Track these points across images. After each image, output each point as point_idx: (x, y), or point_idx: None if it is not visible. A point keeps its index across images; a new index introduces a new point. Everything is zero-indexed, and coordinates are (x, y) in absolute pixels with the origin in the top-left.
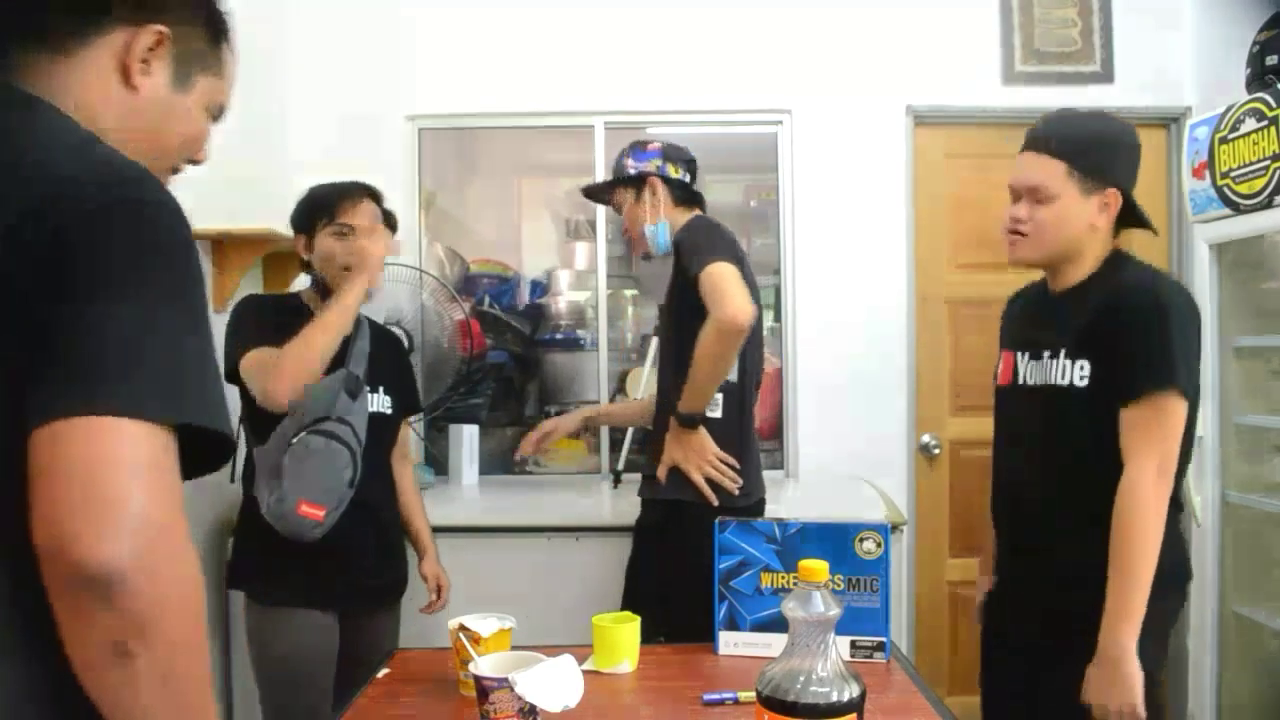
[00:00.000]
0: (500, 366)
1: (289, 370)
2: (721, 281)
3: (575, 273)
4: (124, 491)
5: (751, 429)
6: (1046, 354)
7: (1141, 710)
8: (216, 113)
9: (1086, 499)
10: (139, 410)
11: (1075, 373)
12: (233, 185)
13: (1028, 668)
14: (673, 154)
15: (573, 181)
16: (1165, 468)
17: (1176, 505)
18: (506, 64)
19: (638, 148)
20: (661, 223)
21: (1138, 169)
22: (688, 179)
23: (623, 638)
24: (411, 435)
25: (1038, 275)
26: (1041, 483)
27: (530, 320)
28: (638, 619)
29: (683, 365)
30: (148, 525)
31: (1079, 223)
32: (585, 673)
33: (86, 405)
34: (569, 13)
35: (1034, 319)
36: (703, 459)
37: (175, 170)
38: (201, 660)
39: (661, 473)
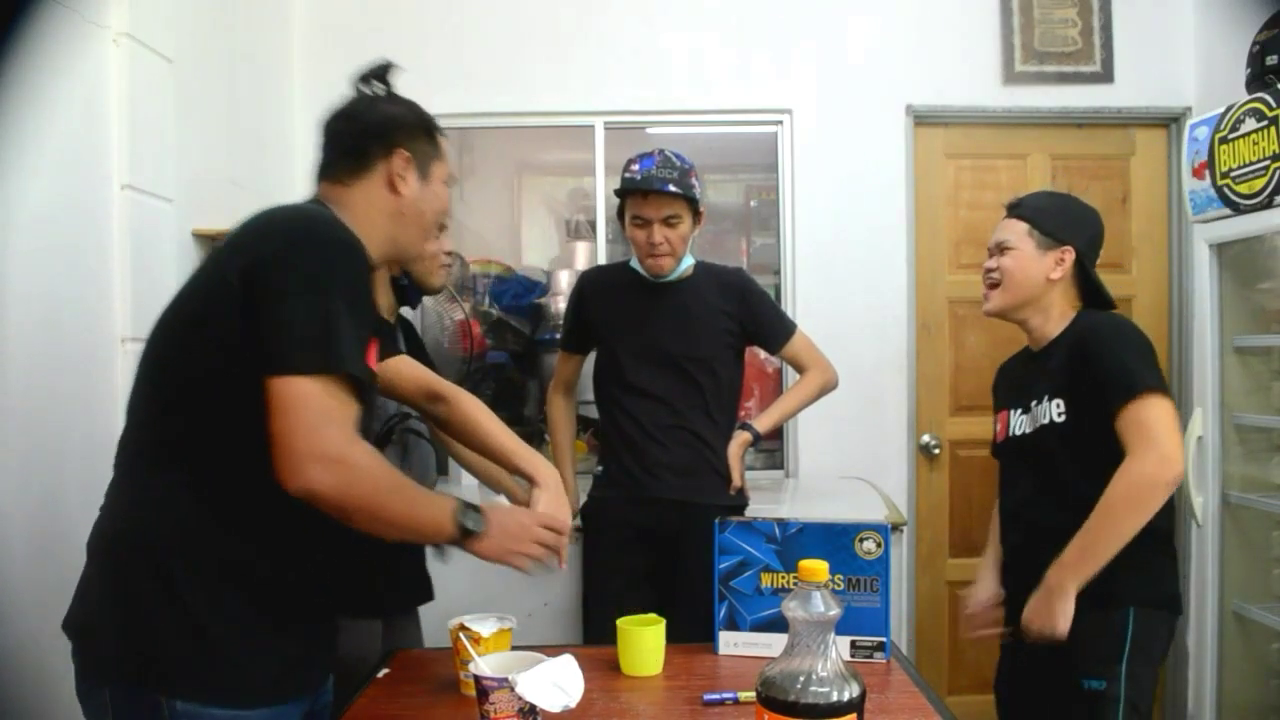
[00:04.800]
0: (500, 366)
1: None
2: (816, 348)
3: (575, 273)
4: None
5: None
6: (1033, 403)
7: (1063, 633)
8: (449, 182)
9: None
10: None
11: (1053, 411)
12: (233, 185)
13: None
14: None
15: (573, 181)
16: (1167, 456)
17: (1171, 546)
18: (506, 64)
19: (697, 175)
20: (688, 256)
21: (1095, 244)
22: None
23: (649, 641)
24: None
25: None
26: (1041, 512)
27: (530, 320)
28: (663, 621)
29: (721, 396)
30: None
31: (1036, 272)
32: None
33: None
34: (569, 12)
35: (1020, 378)
36: None
37: (436, 234)
38: (391, 497)
39: (740, 481)
